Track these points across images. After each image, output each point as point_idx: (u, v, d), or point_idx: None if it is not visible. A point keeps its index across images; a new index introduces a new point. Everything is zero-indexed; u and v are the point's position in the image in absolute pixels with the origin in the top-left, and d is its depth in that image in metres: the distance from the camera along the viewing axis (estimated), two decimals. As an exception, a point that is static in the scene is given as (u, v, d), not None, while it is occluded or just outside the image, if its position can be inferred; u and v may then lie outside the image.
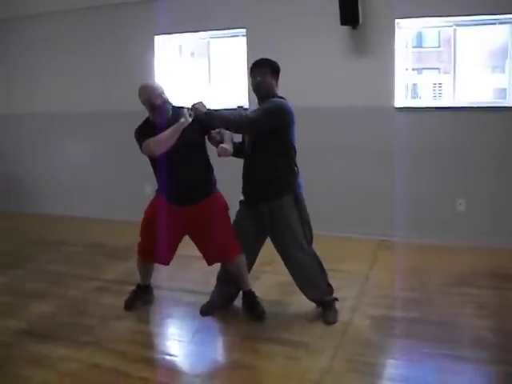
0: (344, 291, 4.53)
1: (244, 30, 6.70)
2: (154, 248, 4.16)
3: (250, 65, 4.11)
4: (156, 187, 4.22)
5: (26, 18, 7.87)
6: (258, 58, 4.09)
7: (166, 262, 4.31)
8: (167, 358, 3.74)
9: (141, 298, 4.49)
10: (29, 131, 8.26)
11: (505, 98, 5.96)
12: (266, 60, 4.03)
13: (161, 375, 3.49)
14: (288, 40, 6.36)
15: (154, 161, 4.03)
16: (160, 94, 3.96)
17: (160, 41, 7.22)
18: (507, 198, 5.87)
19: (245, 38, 6.72)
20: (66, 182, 8.06)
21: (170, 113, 3.98)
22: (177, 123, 3.78)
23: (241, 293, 4.33)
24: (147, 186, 6.80)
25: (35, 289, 5.00)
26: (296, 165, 4.06)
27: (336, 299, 4.23)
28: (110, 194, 7.75)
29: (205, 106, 3.81)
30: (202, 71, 7.22)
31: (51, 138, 8.07)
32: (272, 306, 4.33)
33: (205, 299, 4.39)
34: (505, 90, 5.99)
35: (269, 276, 5.00)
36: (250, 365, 3.55)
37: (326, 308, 4.18)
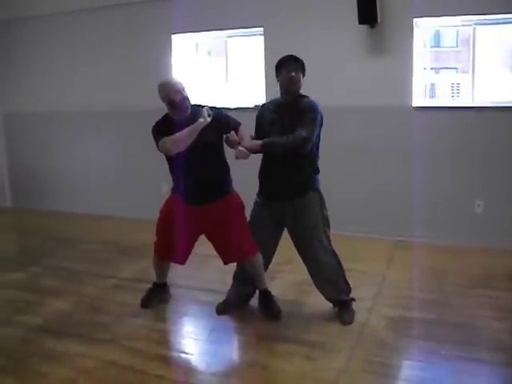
0: (360, 291, 4.51)
1: (261, 28, 6.70)
2: (171, 247, 4.15)
3: (280, 60, 4.00)
4: (171, 186, 4.22)
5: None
6: (283, 55, 4.03)
7: (182, 262, 4.29)
8: (183, 356, 3.73)
9: (157, 297, 4.49)
10: (47, 129, 8.32)
11: (524, 97, 5.92)
12: (297, 57, 3.97)
13: (177, 373, 3.49)
14: (305, 39, 6.34)
15: (170, 160, 4.02)
16: (179, 91, 3.90)
17: (177, 40, 7.23)
18: (526, 199, 5.82)
19: (262, 37, 6.72)
20: (82, 180, 8.12)
21: (189, 110, 3.95)
22: (196, 123, 3.77)
23: (257, 292, 4.33)
24: (164, 185, 6.81)
25: (52, 286, 5.03)
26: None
27: (353, 299, 4.21)
28: (127, 191, 7.77)
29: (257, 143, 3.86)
30: (219, 70, 7.23)
31: (70, 137, 8.13)
32: (288, 306, 4.32)
33: (221, 298, 4.39)
34: (525, 89, 5.94)
35: (285, 275, 4.99)
36: (265, 364, 3.55)
37: (342, 308, 4.17)
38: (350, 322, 4.07)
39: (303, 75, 3.99)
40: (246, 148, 3.84)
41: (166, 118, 4.06)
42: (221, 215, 4.03)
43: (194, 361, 3.69)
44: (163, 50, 7.22)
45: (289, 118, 3.91)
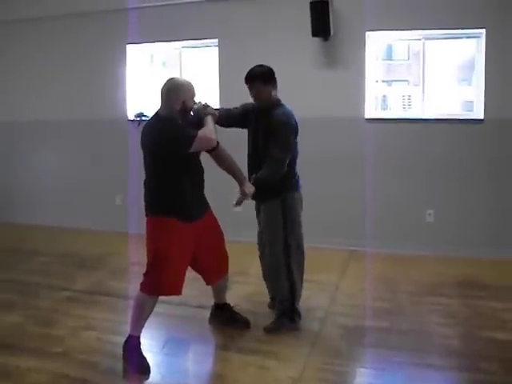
0: (315, 301, 4.57)
1: (216, 40, 6.74)
2: (177, 279, 3.67)
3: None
4: (154, 208, 3.65)
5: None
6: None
7: (181, 291, 3.77)
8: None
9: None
10: (3, 139, 8.17)
11: (472, 110, 6.08)
12: (255, 71, 4.07)
13: (131, 386, 3.48)
14: (260, 51, 6.38)
15: (171, 174, 3.57)
16: (194, 96, 3.70)
17: (132, 50, 7.22)
18: (474, 208, 5.98)
19: (217, 49, 6.75)
20: (38, 191, 7.95)
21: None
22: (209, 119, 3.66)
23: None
24: (118, 196, 6.78)
25: (4, 299, 4.91)
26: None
27: (292, 315, 4.17)
28: (82, 203, 7.66)
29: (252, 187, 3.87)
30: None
31: (23, 147, 7.97)
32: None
33: (174, 309, 4.38)
34: (472, 102, 6.11)
35: (239, 286, 4.99)
36: (221, 375, 3.56)
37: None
38: (266, 330, 4.11)
39: (270, 83, 4.08)
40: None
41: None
42: (212, 227, 3.90)
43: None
44: (118, 60, 7.19)
45: (262, 128, 4.04)
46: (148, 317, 3.70)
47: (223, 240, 3.99)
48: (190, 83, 3.71)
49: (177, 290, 3.69)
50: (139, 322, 3.68)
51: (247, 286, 4.85)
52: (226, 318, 4.21)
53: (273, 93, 4.10)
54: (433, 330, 4.13)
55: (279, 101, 4.16)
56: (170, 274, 3.60)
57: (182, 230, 3.58)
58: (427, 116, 6.12)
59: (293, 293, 4.14)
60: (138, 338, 3.68)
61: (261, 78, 4.05)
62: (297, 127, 4.07)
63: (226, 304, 4.24)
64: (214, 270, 3.96)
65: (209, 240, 3.82)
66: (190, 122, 3.67)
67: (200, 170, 3.77)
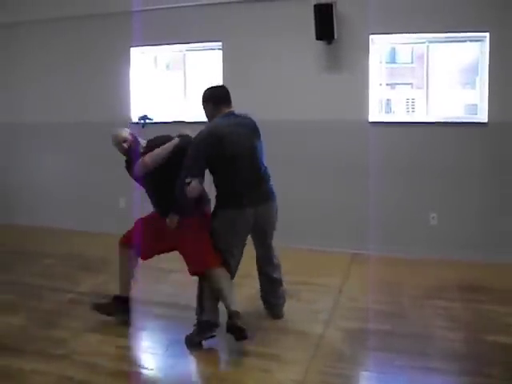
0: (318, 304, 4.57)
1: (220, 43, 6.75)
2: (145, 243, 4.13)
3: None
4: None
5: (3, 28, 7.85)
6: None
7: (146, 257, 4.26)
8: (141, 371, 3.72)
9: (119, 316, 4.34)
10: (3, 142, 8.19)
11: (476, 113, 6.08)
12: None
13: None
14: (263, 53, 6.41)
15: (153, 184, 4.07)
16: (119, 143, 4.17)
17: (136, 53, 7.23)
18: (478, 212, 5.97)
19: (221, 52, 6.77)
20: (42, 193, 7.97)
21: (141, 150, 4.13)
22: (170, 143, 4.00)
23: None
24: (121, 199, 6.79)
25: (8, 301, 4.93)
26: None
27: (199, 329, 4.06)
28: (86, 206, 7.67)
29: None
30: (177, 84, 7.24)
31: (27, 149, 7.99)
32: (245, 319, 4.32)
33: (177, 312, 4.38)
34: (476, 105, 6.11)
35: (244, 289, 4.98)
36: (224, 378, 3.56)
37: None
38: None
39: (208, 103, 4.12)
40: None
41: None
42: (188, 230, 4.01)
43: (152, 376, 3.67)
44: (122, 62, 7.20)
45: None
46: (129, 276, 4.25)
47: (198, 238, 3.99)
48: (116, 134, 4.23)
49: (141, 248, 4.13)
50: (121, 280, 4.26)
51: (251, 289, 4.84)
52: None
53: (208, 108, 4.10)
54: (435, 334, 4.12)
55: (219, 115, 4.05)
56: (137, 231, 4.12)
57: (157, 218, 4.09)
58: (431, 119, 6.12)
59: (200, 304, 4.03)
60: (127, 297, 4.26)
61: (202, 99, 4.15)
62: (215, 138, 3.84)
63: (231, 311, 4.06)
64: (189, 263, 4.06)
65: (181, 240, 4.03)
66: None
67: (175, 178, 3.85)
